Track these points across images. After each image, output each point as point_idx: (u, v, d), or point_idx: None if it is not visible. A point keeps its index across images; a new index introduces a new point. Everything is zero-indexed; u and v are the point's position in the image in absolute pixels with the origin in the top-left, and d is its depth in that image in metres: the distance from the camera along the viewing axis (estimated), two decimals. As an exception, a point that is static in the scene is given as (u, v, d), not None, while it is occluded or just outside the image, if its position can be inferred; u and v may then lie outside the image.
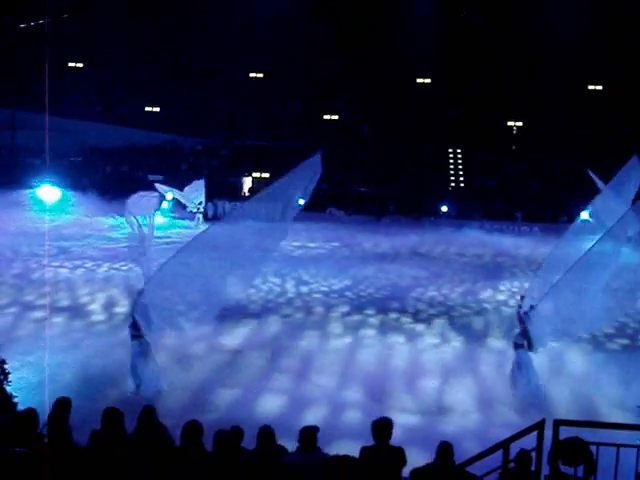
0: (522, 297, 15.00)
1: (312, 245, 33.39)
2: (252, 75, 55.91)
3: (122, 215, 15.06)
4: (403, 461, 7.71)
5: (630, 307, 15.04)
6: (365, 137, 51.35)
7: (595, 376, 14.54)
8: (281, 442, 8.10)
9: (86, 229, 34.11)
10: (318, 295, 22.80)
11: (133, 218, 14.92)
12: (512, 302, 22.83)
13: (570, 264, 13.63)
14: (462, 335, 18.04)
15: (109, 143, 48.16)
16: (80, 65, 55.13)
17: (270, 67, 54.30)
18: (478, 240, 36.64)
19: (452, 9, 53.76)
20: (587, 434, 7.37)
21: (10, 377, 10.70)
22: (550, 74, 50.97)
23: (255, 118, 51.97)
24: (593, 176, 23.74)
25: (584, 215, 42.25)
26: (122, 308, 19.26)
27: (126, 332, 14.04)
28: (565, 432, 7.33)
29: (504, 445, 7.42)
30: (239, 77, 55.14)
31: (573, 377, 14.70)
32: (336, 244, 33.91)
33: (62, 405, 8.93)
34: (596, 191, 23.28)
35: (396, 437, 7.96)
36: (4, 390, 10.31)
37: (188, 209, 39.64)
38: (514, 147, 52.24)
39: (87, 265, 26.00)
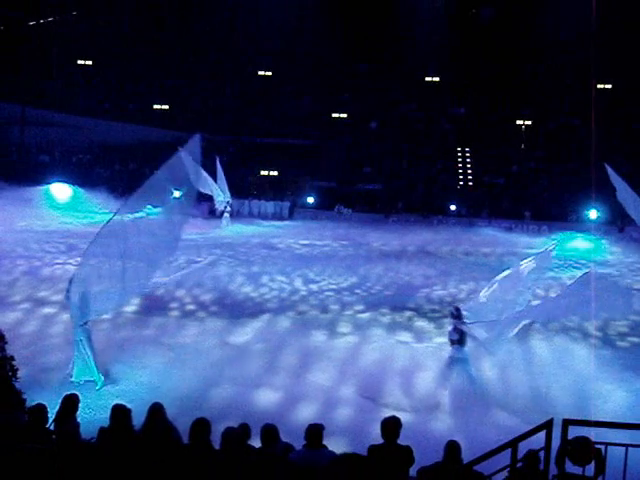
0: (457, 309, 14.96)
1: (320, 243, 33.37)
2: (261, 73, 55.88)
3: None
4: (411, 460, 7.71)
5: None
6: (373, 135, 51.22)
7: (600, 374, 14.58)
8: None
9: (97, 227, 34.08)
10: (328, 293, 22.77)
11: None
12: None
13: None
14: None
15: (118, 140, 48.22)
16: (89, 62, 55.17)
17: (279, 65, 54.28)
18: (486, 239, 36.57)
19: (460, 7, 53.58)
20: (593, 434, 7.35)
21: (18, 374, 10.75)
22: (559, 73, 50.78)
23: (263, 116, 51.93)
24: (610, 172, 23.29)
25: (592, 214, 42.25)
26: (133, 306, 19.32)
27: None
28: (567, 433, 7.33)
29: (512, 444, 7.40)
30: (248, 75, 55.15)
31: (576, 374, 14.69)
32: (344, 242, 33.87)
33: (70, 401, 8.96)
34: (612, 188, 23.16)
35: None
36: (13, 387, 10.34)
37: (216, 206, 38.27)
38: (523, 146, 52.03)
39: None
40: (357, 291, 23.32)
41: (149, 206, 14.82)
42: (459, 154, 50.88)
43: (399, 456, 7.68)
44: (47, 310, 18.72)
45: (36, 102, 48.31)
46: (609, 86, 52.05)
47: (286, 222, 41.10)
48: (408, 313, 20.38)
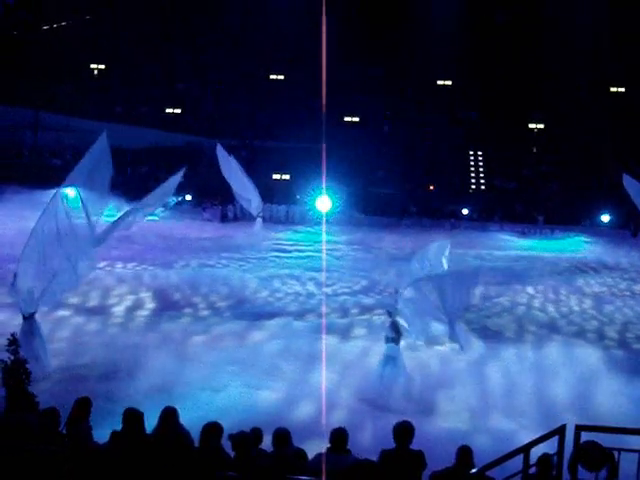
0: (396, 291, 15.18)
1: (331, 248, 33.32)
2: (272, 77, 56.00)
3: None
4: (423, 465, 7.69)
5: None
6: (385, 139, 51.21)
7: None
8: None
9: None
10: (340, 297, 22.72)
11: None
12: (536, 304, 22.85)
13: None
14: (479, 338, 17.85)
15: (130, 144, 48.39)
16: (102, 67, 55.49)
17: (290, 69, 54.36)
18: (499, 242, 36.45)
19: (474, 11, 53.48)
20: (606, 440, 7.30)
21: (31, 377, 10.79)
22: (572, 76, 50.63)
23: (275, 119, 52.00)
24: (627, 182, 22.93)
25: (605, 218, 42.02)
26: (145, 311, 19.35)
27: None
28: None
29: (524, 450, 7.35)
30: (259, 79, 55.26)
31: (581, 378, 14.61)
32: (356, 246, 33.83)
33: (82, 405, 8.98)
34: (626, 195, 23.01)
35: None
36: (26, 390, 10.39)
37: (252, 210, 36.02)
38: (535, 149, 51.94)
39: (118, 266, 26.05)
40: (370, 294, 23.30)
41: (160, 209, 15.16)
42: (471, 158, 50.83)
43: (411, 461, 7.67)
44: (61, 313, 18.72)
45: (49, 106, 48.55)
46: (622, 89, 51.90)
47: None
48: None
